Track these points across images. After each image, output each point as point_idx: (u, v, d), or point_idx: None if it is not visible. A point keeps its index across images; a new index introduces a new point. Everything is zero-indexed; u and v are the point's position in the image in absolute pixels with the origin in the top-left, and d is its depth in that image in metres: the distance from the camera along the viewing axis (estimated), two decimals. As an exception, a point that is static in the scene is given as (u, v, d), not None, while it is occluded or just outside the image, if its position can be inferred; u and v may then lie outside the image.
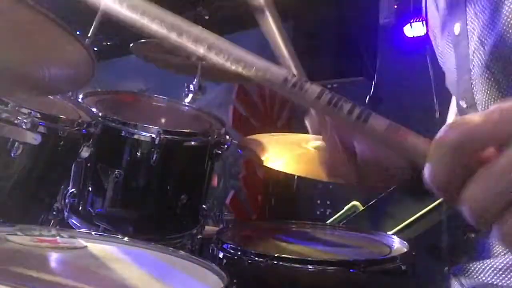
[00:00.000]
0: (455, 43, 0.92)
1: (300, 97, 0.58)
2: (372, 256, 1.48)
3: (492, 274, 0.94)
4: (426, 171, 0.49)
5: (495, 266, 0.95)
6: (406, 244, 1.51)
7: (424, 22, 1.15)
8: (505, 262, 0.94)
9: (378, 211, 2.81)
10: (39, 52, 1.00)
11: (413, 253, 1.46)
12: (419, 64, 1.20)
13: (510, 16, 0.79)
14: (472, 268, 0.98)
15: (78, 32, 0.96)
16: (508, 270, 0.93)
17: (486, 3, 0.84)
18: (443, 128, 0.49)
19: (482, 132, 0.47)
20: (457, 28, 0.91)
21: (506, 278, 0.92)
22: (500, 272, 0.93)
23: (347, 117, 0.56)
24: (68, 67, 1.09)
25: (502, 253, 0.97)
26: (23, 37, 0.94)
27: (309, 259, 1.37)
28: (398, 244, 1.54)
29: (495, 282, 0.93)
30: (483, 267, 0.95)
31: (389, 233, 1.84)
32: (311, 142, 1.78)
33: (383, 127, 0.54)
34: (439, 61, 1.10)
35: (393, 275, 1.38)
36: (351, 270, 1.33)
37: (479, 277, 0.95)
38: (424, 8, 1.14)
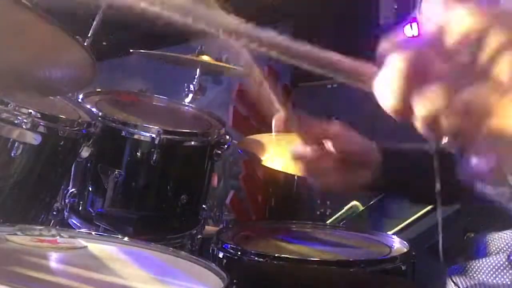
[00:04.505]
0: None
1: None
2: (372, 256, 1.48)
3: (488, 273, 0.94)
4: (378, 91, 0.49)
5: (490, 265, 0.95)
6: (406, 244, 1.51)
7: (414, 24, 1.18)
8: (499, 260, 0.95)
9: (378, 211, 2.81)
10: (40, 53, 1.00)
11: (413, 253, 1.46)
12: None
13: None
14: (468, 267, 0.98)
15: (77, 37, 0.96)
16: (502, 268, 0.93)
17: None
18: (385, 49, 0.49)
19: (431, 44, 0.46)
20: None
21: (503, 277, 0.92)
22: (496, 271, 0.93)
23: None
24: (68, 68, 1.09)
25: (496, 252, 0.97)
26: (24, 38, 0.94)
27: (309, 259, 1.37)
28: (398, 244, 1.54)
29: (490, 281, 0.93)
30: (479, 266, 0.96)
31: (389, 233, 1.84)
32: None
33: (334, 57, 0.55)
34: None
35: (393, 275, 1.38)
36: (351, 270, 1.33)
37: (475, 276, 0.96)
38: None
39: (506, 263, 0.93)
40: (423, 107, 0.46)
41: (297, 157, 1.02)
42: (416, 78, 0.46)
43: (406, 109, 0.48)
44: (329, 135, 1.00)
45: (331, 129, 1.01)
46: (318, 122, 1.01)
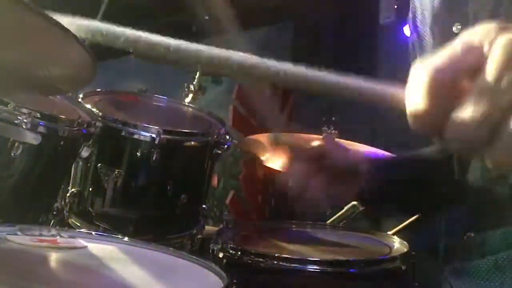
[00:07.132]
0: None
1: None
2: (372, 256, 1.48)
3: (480, 275, 0.94)
4: (410, 112, 0.51)
5: (482, 267, 0.95)
6: (406, 244, 1.51)
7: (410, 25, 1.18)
8: (489, 263, 0.95)
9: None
10: (40, 52, 1.00)
11: (413, 253, 1.46)
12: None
13: None
14: (463, 269, 0.99)
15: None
16: (492, 271, 0.94)
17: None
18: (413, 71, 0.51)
19: (453, 62, 0.49)
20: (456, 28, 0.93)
21: (493, 280, 0.92)
22: (487, 274, 0.93)
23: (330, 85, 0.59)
24: (68, 67, 1.09)
25: (488, 254, 0.98)
26: (24, 37, 0.94)
27: (309, 259, 1.37)
28: (398, 244, 1.54)
29: (482, 283, 0.94)
30: (472, 268, 0.96)
31: (389, 233, 1.84)
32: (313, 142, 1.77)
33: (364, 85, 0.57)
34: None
35: (393, 275, 1.38)
36: (351, 270, 1.33)
37: (468, 279, 0.96)
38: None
39: (495, 266, 0.94)
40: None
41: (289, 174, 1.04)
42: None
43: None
44: (320, 152, 1.01)
45: (321, 146, 1.03)
46: (308, 139, 1.06)
